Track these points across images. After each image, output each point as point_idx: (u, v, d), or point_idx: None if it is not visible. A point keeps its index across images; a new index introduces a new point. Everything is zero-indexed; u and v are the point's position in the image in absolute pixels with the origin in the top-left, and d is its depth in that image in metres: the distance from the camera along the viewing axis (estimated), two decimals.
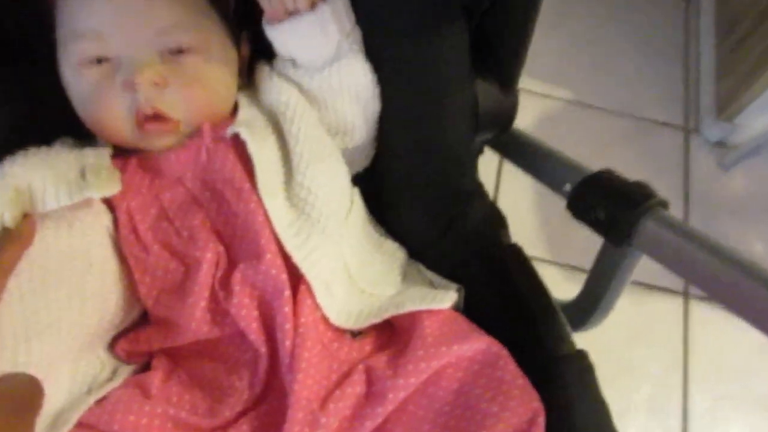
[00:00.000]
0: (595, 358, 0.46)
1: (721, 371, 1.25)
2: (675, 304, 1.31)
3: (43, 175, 0.43)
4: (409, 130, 0.52)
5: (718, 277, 0.38)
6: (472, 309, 0.50)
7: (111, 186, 0.46)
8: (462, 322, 0.47)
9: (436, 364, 0.43)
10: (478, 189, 0.54)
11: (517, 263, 0.49)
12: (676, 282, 1.33)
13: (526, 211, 1.35)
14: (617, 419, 0.44)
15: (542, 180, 0.54)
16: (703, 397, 1.23)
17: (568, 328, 0.46)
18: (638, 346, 1.26)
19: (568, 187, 0.50)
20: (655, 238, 0.42)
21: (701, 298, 1.31)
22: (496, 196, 1.35)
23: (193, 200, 0.48)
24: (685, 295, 1.32)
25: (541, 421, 0.42)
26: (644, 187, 0.45)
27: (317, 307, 0.46)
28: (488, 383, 0.44)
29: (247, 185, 0.46)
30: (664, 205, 0.44)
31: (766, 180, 1.41)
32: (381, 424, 0.43)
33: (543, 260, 1.29)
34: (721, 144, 1.44)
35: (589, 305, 0.56)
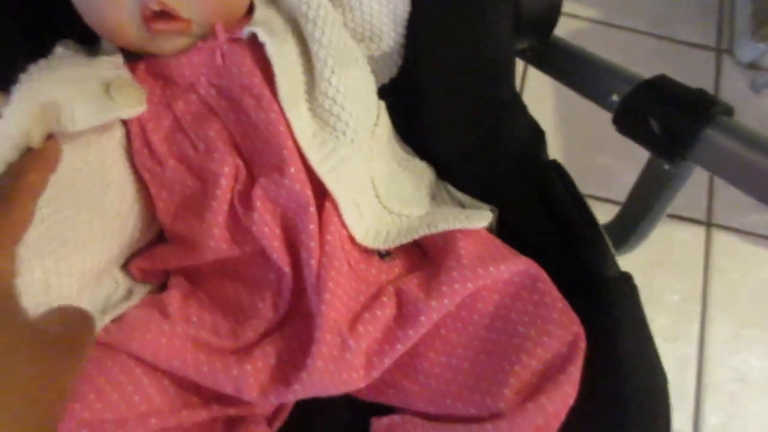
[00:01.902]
0: None
1: (742, 300, 1.23)
2: (697, 233, 1.28)
3: (69, 91, 0.39)
4: (444, 34, 0.47)
5: None
6: (506, 230, 0.47)
7: (138, 105, 0.43)
8: (498, 244, 0.44)
9: (471, 287, 0.40)
10: (516, 100, 0.50)
11: (560, 179, 0.45)
12: (699, 211, 1.29)
13: (548, 137, 1.30)
14: None
15: (585, 92, 0.49)
16: (723, 325, 1.22)
17: (613, 249, 0.43)
18: (658, 274, 1.25)
19: (615, 97, 0.46)
20: (720, 149, 0.38)
21: (724, 228, 1.28)
22: None
23: (208, 109, 0.44)
24: (708, 225, 1.28)
25: (582, 345, 0.39)
26: (705, 94, 0.40)
27: (343, 225, 0.43)
28: (526, 306, 0.41)
29: (266, 92, 0.42)
30: (729, 112, 0.39)
31: None
32: (412, 348, 0.41)
33: None
34: (753, 65, 1.37)
35: (628, 227, 0.52)
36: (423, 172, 0.51)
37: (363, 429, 0.42)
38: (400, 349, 0.39)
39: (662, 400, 0.41)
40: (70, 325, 0.31)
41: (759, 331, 1.22)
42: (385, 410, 0.42)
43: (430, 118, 0.51)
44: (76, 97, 0.39)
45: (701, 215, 1.28)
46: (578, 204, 0.45)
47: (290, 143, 0.42)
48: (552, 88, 1.33)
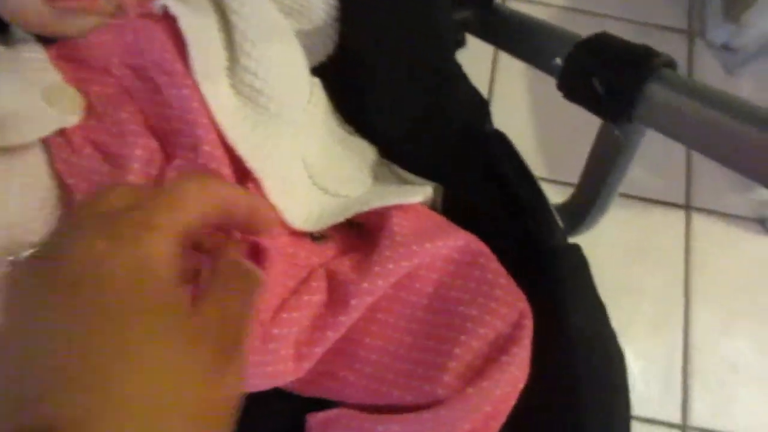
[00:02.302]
0: (595, 275, 0.40)
1: (725, 284, 1.21)
2: (676, 217, 1.25)
3: (7, 98, 0.38)
4: (380, 6, 0.45)
5: (747, 144, 0.31)
6: (451, 206, 0.44)
7: (76, 111, 0.40)
8: (437, 219, 0.41)
9: (406, 265, 0.37)
10: (458, 71, 0.47)
11: (502, 149, 0.42)
12: (677, 195, 1.27)
13: (522, 127, 1.27)
14: (618, 336, 0.39)
15: (529, 58, 0.46)
16: (707, 311, 1.20)
17: (559, 221, 0.40)
18: (639, 262, 1.22)
19: (558, 61, 0.43)
20: (664, 104, 0.36)
21: (703, 211, 1.26)
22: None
23: (123, 91, 0.41)
24: (687, 209, 1.26)
25: (528, 323, 0.36)
26: (647, 48, 0.37)
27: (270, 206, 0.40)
28: (467, 284, 0.38)
29: (179, 68, 0.39)
30: (671, 65, 0.37)
31: None
32: (347, 335, 0.38)
33: (540, 178, 1.23)
34: (726, 47, 1.35)
35: (584, 203, 0.49)
36: (365, 151, 0.48)
37: (299, 425, 0.39)
38: (332, 336, 0.36)
39: (618, 377, 0.38)
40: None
41: (744, 315, 1.20)
42: (324, 404, 0.39)
43: (371, 95, 0.48)
44: (18, 105, 0.38)
45: (680, 199, 1.26)
46: (522, 174, 0.42)
47: (205, 121, 0.39)
48: (526, 72, 1.31)
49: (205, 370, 0.22)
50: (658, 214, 1.26)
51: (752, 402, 1.16)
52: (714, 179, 1.28)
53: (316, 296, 0.37)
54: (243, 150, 0.39)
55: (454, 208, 0.43)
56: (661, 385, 1.14)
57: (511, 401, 0.37)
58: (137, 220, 0.23)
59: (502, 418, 0.37)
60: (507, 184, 0.41)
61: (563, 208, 0.55)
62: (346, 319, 0.36)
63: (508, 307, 0.37)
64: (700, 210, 1.26)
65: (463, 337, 0.36)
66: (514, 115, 1.29)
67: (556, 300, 0.38)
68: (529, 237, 0.39)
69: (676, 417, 1.12)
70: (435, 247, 0.38)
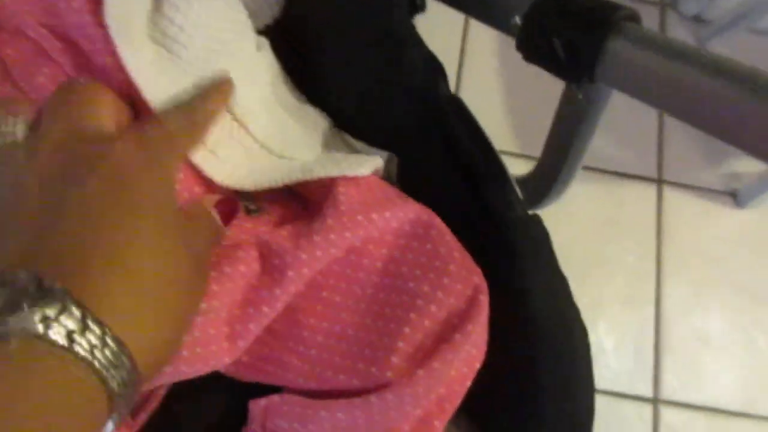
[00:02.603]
0: (566, 251, 0.38)
1: (697, 258, 1.20)
2: (648, 191, 1.25)
3: None
4: None
5: (720, 101, 0.29)
6: (406, 177, 0.41)
7: None
8: (387, 189, 0.39)
9: (349, 236, 0.34)
10: (412, 35, 0.44)
11: (458, 115, 0.39)
12: (649, 168, 1.26)
13: (492, 100, 1.25)
14: (590, 312, 0.37)
15: (486, 18, 0.43)
16: (679, 284, 1.19)
17: (518, 190, 0.38)
18: (611, 236, 1.21)
19: (517, 20, 0.40)
20: (628, 61, 0.33)
21: (675, 184, 1.25)
22: (458, 85, 1.24)
23: (41, 54, 0.38)
24: (659, 182, 1.25)
25: (484, 299, 0.34)
26: (609, 2, 0.35)
27: (197, 172, 0.36)
28: (418, 258, 0.35)
29: (100, 32, 0.36)
30: (634, 18, 0.34)
31: (744, 53, 1.32)
32: (290, 315, 0.35)
33: (511, 153, 1.21)
34: (697, 18, 1.34)
35: (549, 173, 0.47)
36: (316, 120, 0.45)
37: (242, 413, 0.37)
38: (267, 312, 0.33)
39: (580, 356, 0.36)
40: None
41: (715, 288, 1.20)
42: (268, 390, 0.37)
43: (319, 60, 0.45)
44: None
45: (652, 172, 1.25)
46: (479, 142, 0.39)
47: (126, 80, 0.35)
48: (497, 42, 1.28)
49: (190, 269, 0.29)
50: (630, 187, 1.24)
51: (722, 374, 1.16)
52: (685, 152, 1.27)
53: (242, 267, 0.34)
54: (156, 103, 0.35)
55: (409, 179, 0.40)
56: (633, 359, 1.13)
57: (467, 382, 0.35)
58: (165, 138, 0.31)
59: (457, 400, 0.35)
60: (462, 153, 0.38)
61: (527, 180, 0.52)
62: (282, 293, 0.33)
63: (462, 282, 0.34)
64: (671, 183, 1.25)
65: (412, 315, 0.33)
66: (485, 88, 1.27)
67: (514, 275, 0.35)
68: (486, 209, 0.37)
69: (647, 391, 1.12)
70: (383, 219, 0.35)
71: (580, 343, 0.36)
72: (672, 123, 1.28)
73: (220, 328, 0.32)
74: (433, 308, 0.33)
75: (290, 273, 0.33)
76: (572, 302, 0.36)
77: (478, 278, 0.34)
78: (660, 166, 1.27)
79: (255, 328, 0.33)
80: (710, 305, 1.20)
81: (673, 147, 1.27)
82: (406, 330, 0.33)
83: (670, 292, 1.19)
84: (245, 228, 0.36)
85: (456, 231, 0.37)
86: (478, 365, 0.35)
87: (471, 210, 0.37)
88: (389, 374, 0.32)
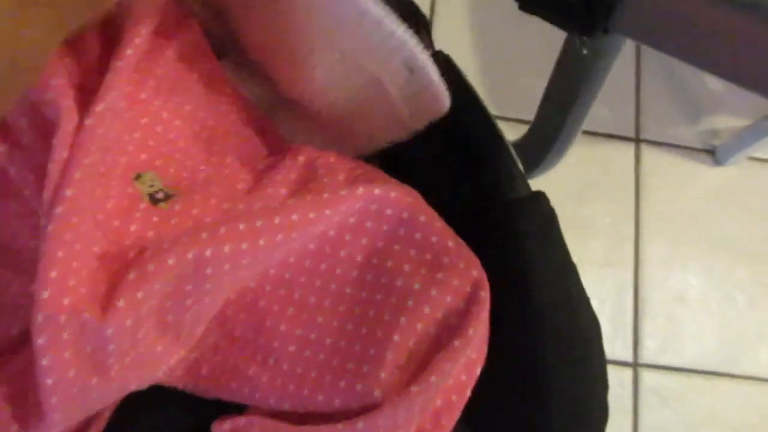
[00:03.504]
0: None
1: (675, 218, 1.18)
2: (625, 151, 1.21)
3: None
4: None
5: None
6: (384, 153, 0.35)
7: None
8: (362, 165, 0.33)
9: (313, 217, 0.28)
10: None
11: (447, 76, 0.33)
12: (627, 127, 1.22)
13: (464, 56, 1.18)
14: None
15: None
16: (658, 246, 1.17)
17: (519, 163, 0.32)
18: (588, 197, 1.17)
19: None
20: (653, 6, 0.27)
21: (653, 143, 1.22)
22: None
23: None
24: (637, 141, 1.21)
25: (484, 295, 0.29)
26: None
27: None
28: (405, 250, 0.30)
29: None
30: None
31: None
32: (253, 317, 0.29)
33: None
34: None
35: (545, 138, 0.41)
36: None
37: None
38: (196, 306, 0.27)
39: (592, 352, 0.31)
40: None
41: (694, 248, 1.17)
42: (236, 411, 0.31)
43: None
44: None
45: (629, 131, 1.21)
46: (473, 110, 0.33)
47: None
48: (468, 2, 1.21)
49: None
50: (607, 148, 1.20)
51: (702, 335, 1.15)
52: (663, 110, 1.23)
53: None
54: None
55: (389, 155, 0.34)
56: (612, 324, 1.11)
57: (467, 390, 0.30)
58: None
59: (456, 412, 0.30)
60: (454, 123, 0.32)
61: (517, 147, 0.47)
62: (215, 273, 0.27)
63: (458, 277, 0.29)
64: (649, 142, 1.21)
65: (403, 320, 0.28)
66: (457, 46, 1.20)
67: (517, 262, 0.30)
68: (482, 188, 0.31)
69: (627, 356, 1.10)
70: (355, 198, 0.29)
71: (591, 334, 0.31)
72: (650, 79, 1.23)
73: (147, 320, 0.26)
74: (426, 309, 0.28)
75: (208, 271, 0.27)
76: (581, 289, 0.31)
77: (477, 271, 0.29)
78: (637, 125, 1.23)
79: (192, 319, 0.27)
80: (690, 266, 1.18)
81: (650, 105, 1.23)
82: (396, 337, 0.28)
83: (649, 253, 1.17)
84: (150, 224, 0.28)
85: (449, 214, 0.31)
86: (478, 371, 0.30)
87: (466, 189, 0.31)
88: (377, 393, 0.27)
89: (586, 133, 1.19)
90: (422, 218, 0.30)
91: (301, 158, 0.32)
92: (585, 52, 0.36)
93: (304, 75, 0.35)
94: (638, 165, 1.19)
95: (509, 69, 1.18)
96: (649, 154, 1.20)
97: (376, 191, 0.29)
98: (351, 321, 0.29)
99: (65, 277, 0.24)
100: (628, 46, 1.32)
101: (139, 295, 0.25)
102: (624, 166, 1.19)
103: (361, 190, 0.29)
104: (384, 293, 0.29)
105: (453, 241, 0.29)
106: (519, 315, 0.30)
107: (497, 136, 0.32)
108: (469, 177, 0.32)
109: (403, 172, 0.33)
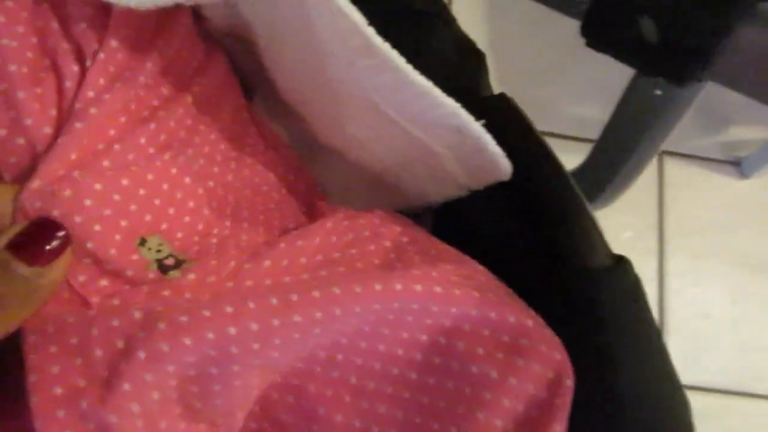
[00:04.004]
0: None
1: (699, 232, 1.15)
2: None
3: None
4: None
5: None
6: (443, 212, 0.32)
7: None
8: (410, 229, 0.29)
9: (360, 291, 0.25)
10: (438, 9, 0.34)
11: (510, 122, 0.30)
12: None
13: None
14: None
15: None
16: (681, 258, 1.14)
17: (598, 221, 0.29)
18: (610, 212, 1.14)
19: None
20: (760, 55, 0.24)
21: (676, 155, 1.18)
22: None
23: None
24: (660, 153, 1.18)
25: (569, 384, 0.25)
26: None
27: None
28: (478, 331, 0.26)
29: None
30: None
31: None
32: (302, 404, 0.26)
33: None
34: None
35: (604, 174, 0.38)
36: None
37: None
38: (222, 391, 0.24)
39: None
40: None
41: (718, 263, 1.14)
42: None
43: None
44: None
45: None
46: (542, 160, 0.30)
47: None
48: (482, 11, 1.17)
49: None
50: None
51: (724, 352, 1.12)
52: (687, 121, 1.19)
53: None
54: None
55: (447, 214, 0.30)
56: None
57: None
58: None
59: None
60: (522, 175, 0.28)
61: (574, 176, 0.43)
62: (240, 369, 0.24)
63: (541, 361, 0.25)
64: (673, 154, 1.18)
65: (480, 416, 0.24)
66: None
67: (598, 344, 0.27)
68: (558, 255, 0.28)
69: None
70: (424, 278, 0.26)
71: (681, 425, 0.28)
72: None
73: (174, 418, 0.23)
74: (506, 402, 0.25)
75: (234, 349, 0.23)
76: (671, 371, 0.28)
77: (560, 354, 0.26)
78: None
79: (224, 405, 0.24)
80: (714, 280, 1.15)
81: None
82: None
83: (672, 269, 1.13)
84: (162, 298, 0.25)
85: (517, 282, 0.28)
86: None
87: (537, 254, 0.28)
88: None
89: None
90: (494, 296, 0.26)
91: (344, 221, 0.28)
92: (657, 93, 0.33)
93: (338, 129, 0.32)
94: (661, 177, 1.15)
95: (525, 80, 1.15)
96: (672, 166, 1.16)
97: (448, 266, 0.26)
98: (419, 413, 0.26)
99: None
100: None
101: (148, 377, 0.21)
102: (647, 179, 1.15)
103: (433, 271, 0.26)
104: (456, 381, 0.26)
105: (532, 320, 0.26)
106: (600, 404, 0.26)
107: (575, 195, 0.28)
108: (542, 240, 0.28)
109: (461, 229, 0.30)
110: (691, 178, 1.16)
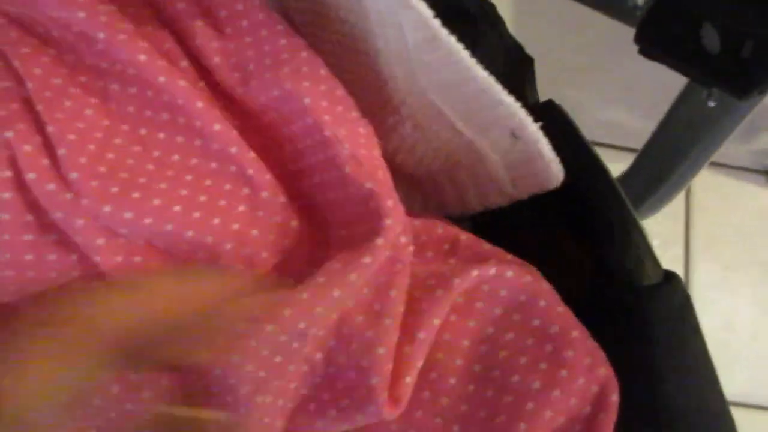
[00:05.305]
0: None
1: (727, 241, 1.13)
2: None
3: None
4: None
5: None
6: (484, 223, 0.31)
7: None
8: (469, 239, 0.29)
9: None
10: (485, 11, 0.33)
11: (558, 130, 0.29)
12: None
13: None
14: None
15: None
16: (709, 268, 1.12)
17: (647, 235, 0.28)
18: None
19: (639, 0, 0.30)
20: None
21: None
22: None
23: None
24: None
25: (614, 399, 0.25)
26: None
27: None
28: (522, 340, 0.26)
29: None
30: None
31: None
32: None
33: None
34: None
35: (648, 184, 0.37)
36: None
37: None
38: None
39: None
40: None
41: (745, 273, 1.12)
42: None
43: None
44: None
45: None
46: (592, 171, 0.29)
47: None
48: (513, 9, 1.16)
49: None
50: None
51: (754, 363, 1.10)
52: None
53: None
54: None
55: (489, 226, 0.30)
56: None
57: None
58: None
59: None
60: (569, 189, 0.28)
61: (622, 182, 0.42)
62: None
63: (585, 374, 0.25)
64: None
65: (522, 426, 0.24)
66: None
67: (647, 361, 0.26)
68: (605, 269, 0.27)
69: None
70: (466, 281, 0.26)
71: None
72: None
73: None
74: (547, 414, 0.24)
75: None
76: (718, 390, 0.27)
77: (605, 369, 0.25)
78: None
79: None
80: (742, 291, 1.13)
81: None
82: None
83: (698, 278, 1.12)
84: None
85: (564, 300, 0.27)
86: None
87: (583, 271, 0.27)
88: None
89: (634, 151, 1.15)
90: (542, 303, 0.26)
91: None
92: (712, 104, 0.32)
93: (387, 126, 0.32)
94: (689, 187, 1.13)
95: (553, 82, 1.13)
96: (700, 173, 1.14)
97: (492, 271, 0.26)
98: (457, 420, 0.25)
99: None
100: None
101: None
102: None
103: (475, 272, 0.25)
104: (496, 390, 0.25)
105: (578, 332, 0.26)
106: (645, 420, 0.26)
107: (625, 208, 0.28)
108: (588, 254, 0.28)
109: (499, 237, 0.29)
110: (719, 186, 1.14)
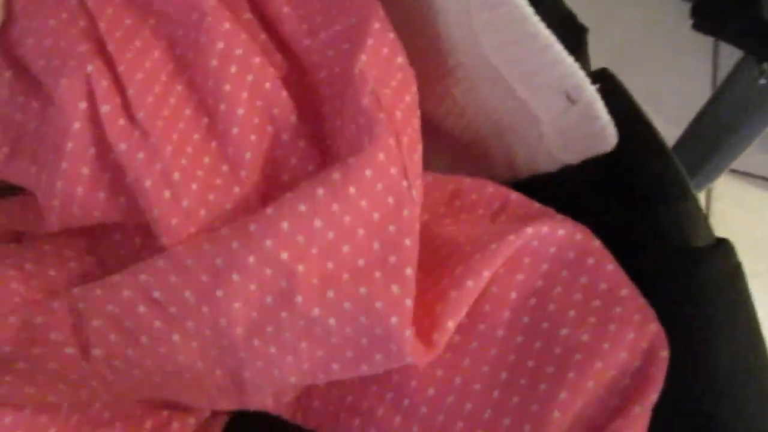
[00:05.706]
0: None
1: (746, 249, 1.12)
2: None
3: None
4: None
5: None
6: (535, 189, 0.32)
7: None
8: (519, 198, 0.29)
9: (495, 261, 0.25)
10: None
11: (612, 98, 0.30)
12: None
13: None
14: None
15: None
16: None
17: (699, 202, 0.29)
18: None
19: None
20: None
21: (726, 171, 1.16)
22: None
23: None
24: None
25: (664, 355, 0.25)
26: None
27: None
28: (570, 295, 0.26)
29: None
30: None
31: None
32: (398, 379, 0.26)
33: None
34: None
35: (692, 161, 0.38)
36: None
37: None
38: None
39: None
40: None
41: (765, 283, 1.12)
42: None
43: None
44: None
45: None
46: (645, 137, 0.29)
47: None
48: None
49: None
50: None
51: None
52: None
53: None
54: None
55: (540, 192, 0.30)
56: None
57: None
58: None
59: None
60: (621, 154, 0.28)
61: None
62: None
63: (634, 329, 0.25)
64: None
65: (571, 375, 0.24)
66: None
67: (697, 322, 0.26)
68: (656, 231, 0.27)
69: None
70: (519, 239, 0.26)
71: None
72: None
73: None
74: (598, 365, 0.24)
75: None
76: (764, 356, 0.27)
77: (655, 326, 0.25)
78: None
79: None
80: (761, 300, 1.12)
81: None
82: (562, 395, 0.24)
83: None
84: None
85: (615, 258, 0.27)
86: None
87: (635, 234, 0.28)
88: None
89: None
90: (590, 261, 0.26)
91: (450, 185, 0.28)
92: (763, 82, 0.32)
93: (440, 89, 0.32)
94: (709, 193, 1.13)
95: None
96: (720, 182, 1.14)
97: (545, 229, 0.26)
98: (505, 369, 0.26)
99: None
100: (703, 71, 1.26)
101: None
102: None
103: (530, 230, 0.26)
104: (545, 341, 0.25)
105: (627, 289, 0.26)
106: (693, 379, 0.26)
107: (679, 173, 0.28)
108: (641, 216, 0.28)
109: (546, 201, 0.30)
110: (739, 194, 1.13)
